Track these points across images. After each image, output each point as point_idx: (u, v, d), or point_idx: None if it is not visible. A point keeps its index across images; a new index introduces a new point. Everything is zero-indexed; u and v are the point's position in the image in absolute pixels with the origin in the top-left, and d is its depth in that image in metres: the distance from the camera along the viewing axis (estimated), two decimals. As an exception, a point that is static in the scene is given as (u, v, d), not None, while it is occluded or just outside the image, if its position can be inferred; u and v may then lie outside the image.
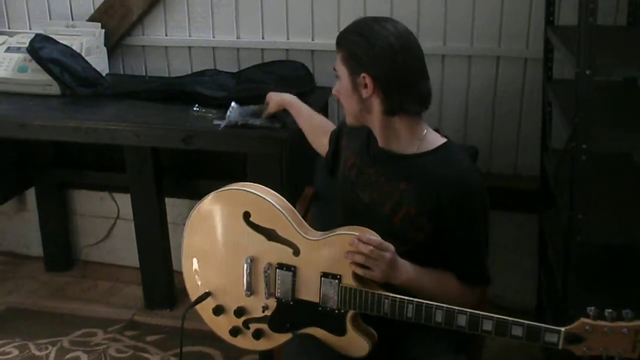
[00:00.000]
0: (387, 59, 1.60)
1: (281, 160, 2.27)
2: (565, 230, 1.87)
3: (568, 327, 1.40)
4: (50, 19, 3.04)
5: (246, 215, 1.67)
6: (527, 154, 2.71)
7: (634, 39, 2.25)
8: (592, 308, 1.39)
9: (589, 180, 1.78)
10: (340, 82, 1.69)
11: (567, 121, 1.89)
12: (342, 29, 2.69)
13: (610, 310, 1.38)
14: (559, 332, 1.40)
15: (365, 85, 1.63)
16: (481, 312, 1.47)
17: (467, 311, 1.49)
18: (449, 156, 1.67)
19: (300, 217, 1.69)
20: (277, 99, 2.25)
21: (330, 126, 2.09)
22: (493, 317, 1.46)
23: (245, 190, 1.69)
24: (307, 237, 1.64)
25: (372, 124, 1.71)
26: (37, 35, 2.70)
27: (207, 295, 1.74)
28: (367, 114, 1.68)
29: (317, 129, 2.12)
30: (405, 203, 1.65)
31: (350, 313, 1.60)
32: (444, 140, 1.71)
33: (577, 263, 1.84)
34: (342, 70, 1.67)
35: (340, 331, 1.62)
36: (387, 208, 1.68)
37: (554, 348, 1.42)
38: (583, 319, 1.39)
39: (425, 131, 1.70)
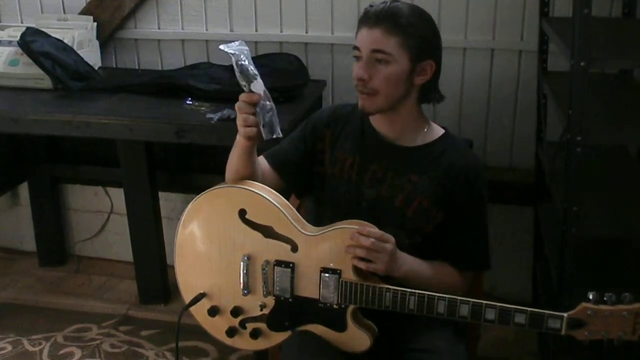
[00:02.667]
0: (440, 45, 1.68)
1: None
2: (561, 222, 1.87)
3: (570, 313, 1.42)
4: (42, 12, 3.02)
5: (242, 213, 1.65)
6: (522, 147, 2.70)
7: (629, 31, 2.24)
8: (593, 293, 1.41)
9: (584, 173, 1.78)
10: (387, 67, 1.60)
11: (562, 113, 1.88)
12: (335, 22, 2.73)
13: (610, 294, 1.40)
14: (561, 317, 1.42)
15: (425, 72, 1.63)
16: (484, 301, 1.48)
17: (469, 301, 1.49)
18: (453, 144, 1.73)
19: (297, 213, 1.67)
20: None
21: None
22: (496, 305, 1.47)
23: (241, 188, 1.67)
24: (305, 232, 1.62)
25: (399, 112, 1.68)
26: (28, 28, 2.68)
27: (201, 296, 1.71)
28: (402, 101, 1.67)
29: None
30: (419, 194, 1.67)
31: (351, 308, 1.59)
32: (442, 130, 1.76)
33: (572, 255, 1.84)
34: (400, 55, 1.60)
35: (341, 327, 1.61)
36: (398, 201, 1.69)
37: (556, 334, 1.44)
38: (584, 304, 1.41)
39: (429, 123, 1.75)
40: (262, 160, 1.80)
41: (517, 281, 2.82)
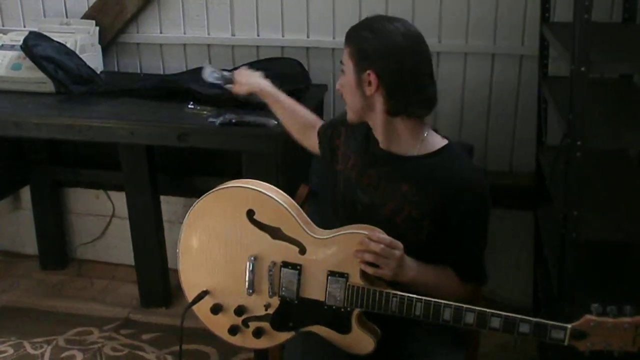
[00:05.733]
0: (394, 58, 1.59)
1: (276, 158, 2.27)
2: (561, 226, 1.87)
3: (574, 324, 1.42)
4: (44, 16, 3.04)
5: (250, 213, 1.65)
6: (523, 151, 2.71)
7: (629, 36, 2.25)
8: (596, 305, 1.42)
9: (584, 177, 1.78)
10: (345, 76, 1.67)
11: (562, 118, 1.89)
12: (336, 26, 2.75)
13: (612, 306, 1.41)
14: (565, 328, 1.43)
15: (370, 83, 1.61)
16: (489, 310, 1.48)
17: (475, 309, 1.49)
18: (451, 158, 1.67)
19: (305, 215, 1.68)
20: (251, 82, 2.05)
21: (315, 120, 2.02)
22: (501, 314, 1.47)
23: (249, 188, 1.67)
24: (314, 235, 1.62)
25: (374, 122, 1.69)
26: (31, 32, 2.69)
27: (204, 294, 1.72)
28: (369, 112, 1.67)
29: (303, 125, 2.01)
30: (407, 205, 1.65)
31: (356, 311, 1.60)
32: (445, 142, 1.70)
33: (572, 259, 1.84)
34: (348, 65, 1.65)
35: (345, 329, 1.62)
36: (387, 209, 1.68)
37: (559, 344, 1.44)
38: (588, 316, 1.42)
39: (426, 133, 1.69)
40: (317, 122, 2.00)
41: (518, 285, 2.82)
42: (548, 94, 2.26)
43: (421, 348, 1.68)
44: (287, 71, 2.65)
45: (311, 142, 1.98)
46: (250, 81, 2.06)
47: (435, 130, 1.74)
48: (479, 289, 1.83)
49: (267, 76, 2.60)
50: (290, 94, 2.47)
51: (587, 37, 1.68)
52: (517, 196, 2.70)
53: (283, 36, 2.82)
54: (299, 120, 2.02)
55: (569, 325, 1.42)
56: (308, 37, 2.79)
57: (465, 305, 1.50)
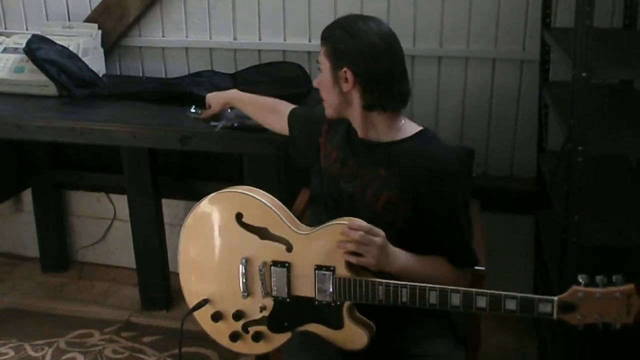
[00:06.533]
0: (369, 57, 1.65)
1: (278, 162, 2.27)
2: (561, 231, 1.88)
3: (561, 296, 1.41)
4: (47, 19, 3.04)
5: (239, 217, 1.69)
6: (524, 156, 2.71)
7: (630, 41, 2.26)
8: (584, 275, 1.41)
9: (585, 182, 1.79)
10: (322, 74, 1.73)
11: (563, 123, 1.89)
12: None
13: (601, 276, 1.39)
14: (552, 301, 1.42)
15: (346, 80, 1.67)
16: (474, 289, 1.50)
17: (460, 289, 1.51)
18: (425, 142, 1.72)
19: (291, 213, 1.71)
20: (220, 99, 2.28)
21: (273, 102, 2.14)
22: (486, 292, 1.48)
23: (236, 192, 1.72)
24: (299, 231, 1.66)
25: (351, 116, 1.75)
26: (33, 36, 2.70)
27: (205, 302, 1.74)
28: (346, 107, 1.73)
29: (262, 109, 2.15)
30: (385, 189, 1.69)
31: (346, 305, 1.62)
32: (420, 127, 1.76)
33: (573, 263, 1.84)
34: (325, 63, 1.71)
35: (338, 324, 1.63)
36: (368, 196, 1.71)
37: (549, 319, 1.44)
38: (575, 287, 1.41)
39: (403, 122, 1.75)
40: (284, 109, 2.07)
41: (518, 289, 2.79)
42: (549, 99, 2.27)
43: (421, 349, 1.69)
44: (288, 75, 2.66)
45: (273, 123, 2.11)
46: (224, 95, 2.28)
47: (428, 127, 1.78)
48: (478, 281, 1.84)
49: (268, 80, 2.63)
50: (291, 97, 2.50)
51: (588, 43, 1.69)
52: (518, 200, 2.70)
53: (285, 40, 2.83)
54: (259, 109, 2.17)
55: (556, 298, 1.41)
56: (310, 41, 2.80)
57: (450, 287, 1.51)
